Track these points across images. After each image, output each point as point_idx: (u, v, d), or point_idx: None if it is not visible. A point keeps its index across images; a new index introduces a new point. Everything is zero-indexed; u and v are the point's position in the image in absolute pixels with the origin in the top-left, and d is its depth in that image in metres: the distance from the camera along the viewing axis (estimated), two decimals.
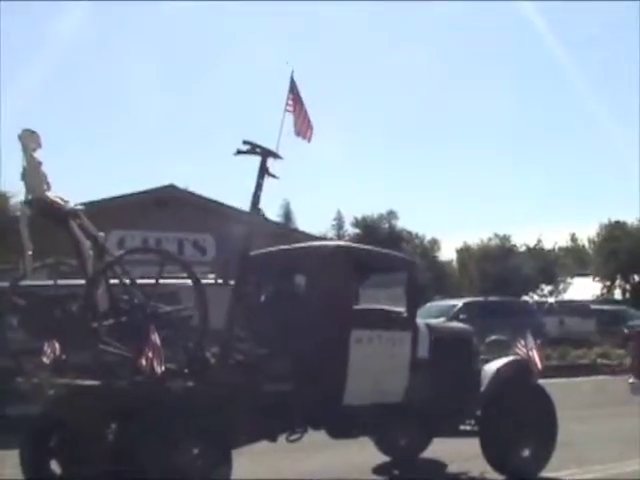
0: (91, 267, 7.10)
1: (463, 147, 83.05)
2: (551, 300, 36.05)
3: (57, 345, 6.78)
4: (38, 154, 6.99)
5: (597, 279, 57.41)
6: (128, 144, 78.14)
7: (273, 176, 7.11)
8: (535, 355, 8.32)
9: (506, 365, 8.48)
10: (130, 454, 6.13)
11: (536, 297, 48.47)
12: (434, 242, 68.65)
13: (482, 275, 51.94)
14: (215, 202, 21.67)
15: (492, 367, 8.45)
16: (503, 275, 48.10)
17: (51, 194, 7.06)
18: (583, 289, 50.75)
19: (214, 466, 6.27)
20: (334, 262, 7.47)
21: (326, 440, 7.59)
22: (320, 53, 79.75)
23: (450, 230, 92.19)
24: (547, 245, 61.10)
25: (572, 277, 59.14)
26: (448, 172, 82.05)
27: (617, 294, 57.48)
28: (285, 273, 7.84)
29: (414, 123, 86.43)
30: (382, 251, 8.60)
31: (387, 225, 68.61)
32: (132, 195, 20.16)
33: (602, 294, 54.33)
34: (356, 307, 7.65)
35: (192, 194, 21.63)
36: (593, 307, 32.08)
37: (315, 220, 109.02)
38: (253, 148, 6.98)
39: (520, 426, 8.19)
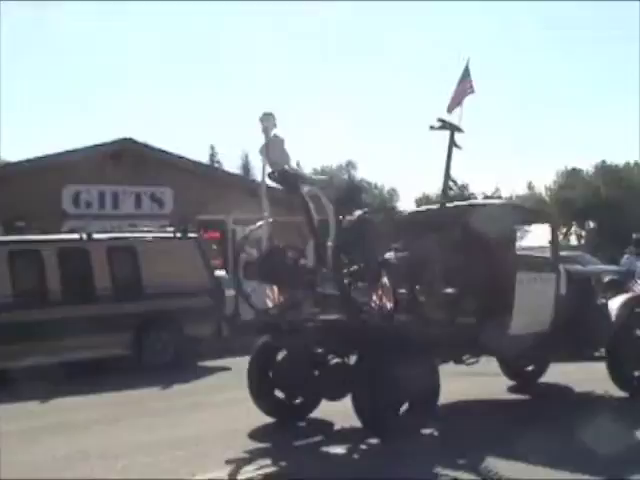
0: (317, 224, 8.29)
1: (422, 95, 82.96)
2: None
3: (276, 289, 8.42)
4: (278, 131, 8.13)
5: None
6: (85, 99, 76.70)
7: (458, 147, 8.44)
8: None
9: (629, 300, 9.95)
10: (361, 376, 7.68)
11: None
12: (393, 192, 68.89)
13: None
14: (172, 155, 21.44)
15: (616, 302, 9.83)
16: None
17: (292, 167, 8.35)
18: (540, 235, 51.35)
19: (423, 383, 7.75)
20: (503, 216, 9.14)
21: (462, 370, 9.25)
22: None
23: (409, 180, 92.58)
24: (504, 193, 61.68)
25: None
26: (405, 122, 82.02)
27: (573, 240, 58.38)
28: (463, 226, 8.96)
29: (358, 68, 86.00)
30: (534, 207, 9.73)
31: (346, 175, 68.57)
32: (87, 149, 19.79)
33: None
34: (518, 253, 9.31)
35: (149, 147, 21.33)
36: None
37: None
38: (444, 124, 8.36)
39: None
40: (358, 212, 8.31)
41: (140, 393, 11.19)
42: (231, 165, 62.04)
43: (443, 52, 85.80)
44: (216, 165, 56.98)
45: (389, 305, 7.74)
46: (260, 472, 6.93)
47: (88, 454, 7.54)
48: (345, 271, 8.15)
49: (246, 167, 66.69)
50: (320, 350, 8.42)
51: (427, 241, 8.49)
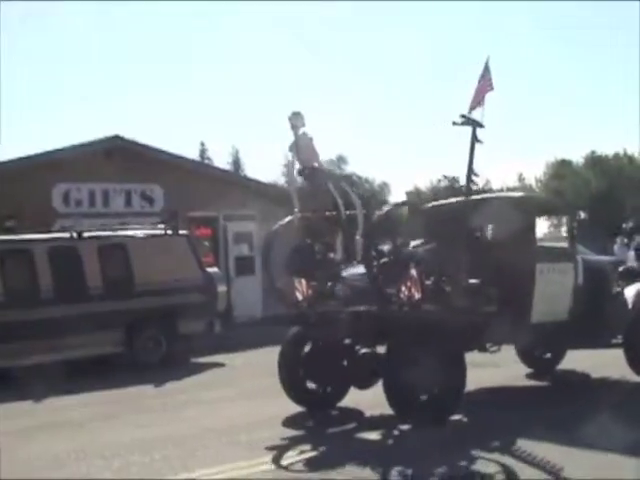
0: (345, 219, 8.70)
1: (414, 90, 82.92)
2: None
3: (304, 282, 8.72)
4: (306, 130, 8.49)
5: (544, 217, 58.12)
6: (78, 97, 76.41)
7: (480, 141, 8.56)
8: None
9: None
10: (391, 364, 8.01)
11: None
12: (384, 186, 68.83)
13: None
14: (162, 152, 21.38)
15: (632, 290, 10.23)
16: None
17: (320, 164, 8.68)
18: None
19: (451, 370, 8.05)
20: (523, 208, 9.40)
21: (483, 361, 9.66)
22: None
23: (400, 173, 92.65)
24: (495, 185, 61.66)
25: None
26: (399, 118, 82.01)
27: (563, 231, 58.46)
28: (482, 219, 9.35)
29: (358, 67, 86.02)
30: (552, 199, 10.02)
31: (337, 170, 68.52)
32: (77, 147, 19.68)
33: (549, 231, 55.15)
34: (537, 245, 9.59)
35: (138, 144, 21.25)
36: (541, 244, 32.50)
37: (264, 167, 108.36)
38: (467, 120, 8.54)
39: None
40: (386, 207, 8.71)
41: (134, 391, 11.21)
42: (221, 161, 61.97)
43: (435, 49, 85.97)
44: (206, 161, 56.86)
45: (417, 295, 8.08)
46: (302, 457, 7.18)
47: (84, 453, 7.57)
48: (374, 264, 8.49)
49: (237, 163, 66.60)
50: (348, 341, 8.74)
51: (451, 233, 8.74)
